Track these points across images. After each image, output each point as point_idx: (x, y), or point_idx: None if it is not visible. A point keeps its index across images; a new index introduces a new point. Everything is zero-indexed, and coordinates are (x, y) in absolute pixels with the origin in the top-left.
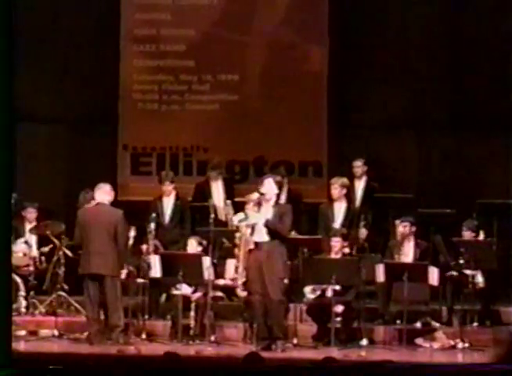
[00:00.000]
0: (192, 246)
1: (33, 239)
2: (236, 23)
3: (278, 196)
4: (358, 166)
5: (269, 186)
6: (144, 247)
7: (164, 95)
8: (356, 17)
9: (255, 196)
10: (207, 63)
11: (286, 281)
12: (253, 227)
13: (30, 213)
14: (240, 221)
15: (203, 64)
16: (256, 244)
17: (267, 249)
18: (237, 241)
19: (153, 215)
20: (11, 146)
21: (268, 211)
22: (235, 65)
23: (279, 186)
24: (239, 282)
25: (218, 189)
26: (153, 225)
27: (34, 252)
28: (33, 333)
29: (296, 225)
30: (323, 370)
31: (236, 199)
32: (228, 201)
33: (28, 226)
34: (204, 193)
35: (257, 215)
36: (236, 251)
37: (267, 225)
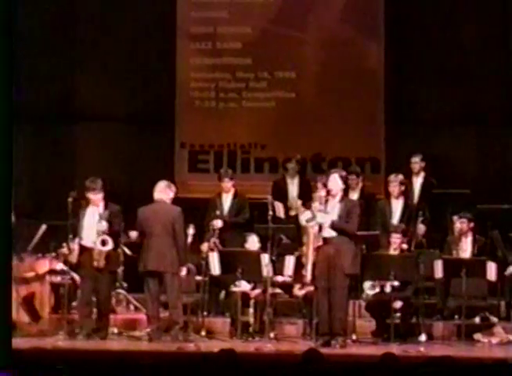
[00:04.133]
0: (251, 243)
1: None
2: (292, 20)
3: (344, 191)
4: (416, 162)
5: (335, 181)
6: (205, 244)
7: (220, 93)
8: (412, 13)
9: (322, 193)
10: (263, 61)
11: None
12: (321, 224)
13: None
14: (308, 221)
15: (259, 62)
16: (324, 239)
17: (336, 244)
18: (304, 239)
19: (217, 212)
20: (10, 149)
21: (334, 207)
22: (292, 62)
23: (345, 181)
24: (308, 278)
25: (293, 186)
26: (217, 223)
27: None
28: (92, 330)
29: (366, 224)
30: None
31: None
32: (299, 201)
33: None
34: (280, 189)
35: (324, 215)
36: (304, 248)
37: (333, 227)
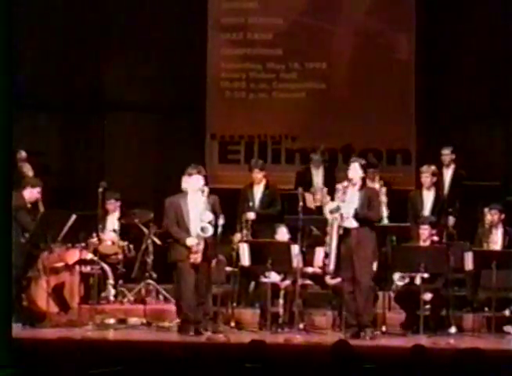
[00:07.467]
0: (281, 234)
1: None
2: (323, 12)
3: (363, 180)
4: (446, 154)
5: (355, 170)
6: (238, 235)
7: (251, 84)
8: (443, 4)
9: (344, 184)
10: (294, 52)
11: (374, 268)
12: (341, 214)
13: (110, 204)
14: (332, 211)
15: (290, 52)
16: (345, 230)
17: (356, 235)
18: (328, 228)
19: (250, 204)
20: (10, 137)
21: (354, 196)
22: (322, 53)
23: (365, 169)
24: (331, 268)
25: (318, 177)
26: (250, 216)
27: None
28: (121, 321)
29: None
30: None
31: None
32: (325, 189)
33: (111, 216)
34: (306, 180)
35: (347, 205)
36: (328, 238)
37: (357, 216)
